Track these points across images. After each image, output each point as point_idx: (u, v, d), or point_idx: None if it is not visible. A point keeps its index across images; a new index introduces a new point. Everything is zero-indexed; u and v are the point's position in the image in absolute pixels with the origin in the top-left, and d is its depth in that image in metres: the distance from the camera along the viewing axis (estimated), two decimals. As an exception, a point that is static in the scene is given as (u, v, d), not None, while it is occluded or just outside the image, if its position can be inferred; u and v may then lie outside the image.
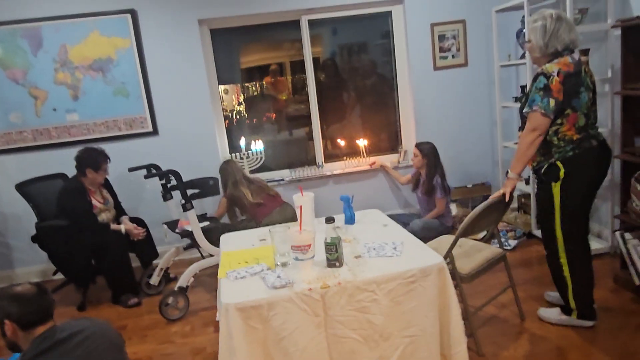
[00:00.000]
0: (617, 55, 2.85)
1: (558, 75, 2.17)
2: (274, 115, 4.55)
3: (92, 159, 3.29)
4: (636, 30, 2.67)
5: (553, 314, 2.53)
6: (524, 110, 2.31)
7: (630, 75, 2.71)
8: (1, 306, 1.60)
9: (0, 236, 3.98)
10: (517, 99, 3.95)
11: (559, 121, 2.22)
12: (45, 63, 3.81)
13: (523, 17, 3.60)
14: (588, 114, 2.24)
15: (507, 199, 2.37)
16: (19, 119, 3.86)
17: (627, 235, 2.73)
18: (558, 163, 2.25)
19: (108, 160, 3.37)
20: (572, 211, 2.29)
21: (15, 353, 1.65)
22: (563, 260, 2.36)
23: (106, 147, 3.57)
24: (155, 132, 4.03)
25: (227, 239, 2.39)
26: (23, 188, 3.47)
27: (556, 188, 2.27)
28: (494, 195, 2.38)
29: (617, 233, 2.78)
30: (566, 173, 2.23)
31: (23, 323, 1.58)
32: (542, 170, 2.32)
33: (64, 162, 3.35)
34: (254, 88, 4.46)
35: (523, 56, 3.73)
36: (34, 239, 3.46)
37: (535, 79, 2.26)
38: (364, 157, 4.38)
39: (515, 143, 3.97)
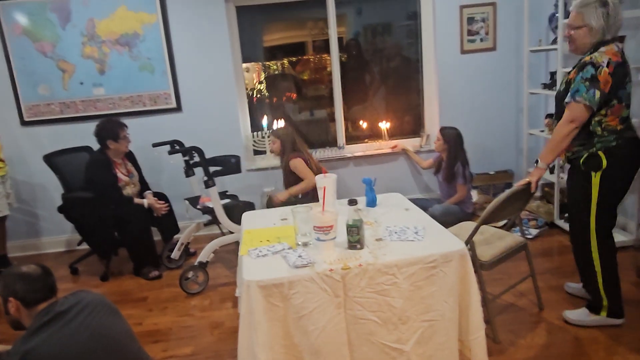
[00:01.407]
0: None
1: (608, 66, 2.07)
2: (295, 95, 4.52)
3: (110, 129, 3.33)
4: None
5: (582, 315, 2.43)
6: (565, 101, 2.19)
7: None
8: (7, 284, 1.65)
9: (27, 205, 4.08)
10: (545, 86, 3.86)
11: (602, 112, 2.14)
12: (73, 36, 3.85)
13: (557, 1, 3.48)
14: (629, 104, 2.18)
15: (532, 188, 2.33)
16: (47, 91, 3.92)
17: (654, 229, 2.68)
18: (600, 153, 2.17)
19: (125, 128, 3.40)
20: (609, 202, 2.24)
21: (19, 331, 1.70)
22: (595, 253, 2.29)
23: (130, 122, 3.61)
24: (179, 108, 4.05)
25: (249, 217, 2.41)
26: (50, 159, 3.54)
27: (596, 178, 2.19)
28: (519, 184, 2.33)
29: (643, 226, 2.73)
30: (608, 164, 2.16)
31: (27, 301, 1.63)
32: (582, 160, 2.23)
33: (90, 135, 3.40)
34: (275, 67, 4.43)
35: (555, 41, 3.63)
36: (60, 209, 3.54)
37: (582, 68, 2.14)
38: (385, 139, 4.35)
39: (542, 131, 3.91)
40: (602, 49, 2.14)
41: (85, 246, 3.66)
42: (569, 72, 2.27)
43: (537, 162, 2.35)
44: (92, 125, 3.41)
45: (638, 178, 3.03)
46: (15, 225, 3.99)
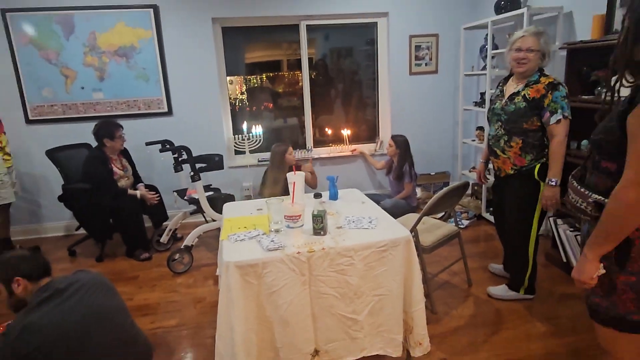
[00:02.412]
0: (561, 73, 2.84)
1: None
2: (271, 105, 4.47)
3: (106, 129, 3.19)
4: (579, 52, 2.67)
5: (502, 291, 2.47)
6: (556, 119, 2.05)
7: (572, 90, 2.71)
8: (10, 266, 1.55)
9: (30, 194, 3.86)
10: (476, 104, 3.95)
11: None
12: (75, 47, 3.66)
13: (486, 35, 3.57)
14: None
15: (555, 209, 2.23)
16: (51, 94, 3.71)
17: (559, 221, 2.79)
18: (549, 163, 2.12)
19: (121, 128, 3.26)
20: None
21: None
22: (531, 248, 2.30)
23: (126, 123, 3.47)
24: (170, 112, 3.92)
25: (229, 207, 2.35)
26: (52, 154, 3.36)
27: (544, 186, 2.15)
28: (549, 210, 2.21)
29: (551, 219, 2.83)
30: None
31: (33, 276, 1.55)
32: (536, 171, 2.16)
33: (89, 134, 3.25)
34: (255, 80, 4.36)
35: (484, 68, 3.72)
36: (60, 198, 3.37)
37: (555, 88, 2.05)
38: (346, 144, 4.35)
39: (473, 140, 4.00)
40: (547, 73, 2.14)
41: (82, 231, 3.49)
42: (517, 92, 2.17)
43: (549, 182, 2.12)
44: (91, 125, 3.27)
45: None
46: (18, 212, 3.76)
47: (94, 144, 3.29)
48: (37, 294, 1.50)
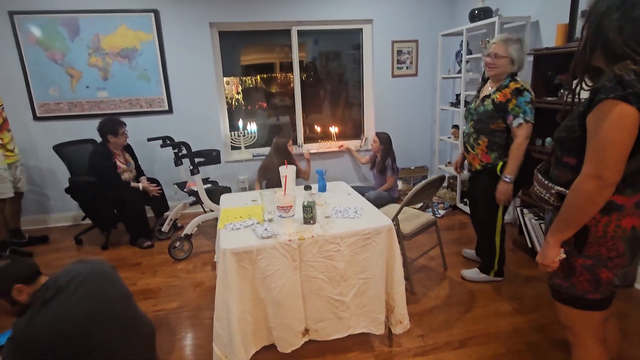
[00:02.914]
0: (528, 76, 2.87)
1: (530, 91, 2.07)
2: (265, 104, 4.43)
3: (110, 126, 3.12)
4: (544, 58, 2.69)
5: (474, 274, 2.49)
6: (518, 122, 2.04)
7: (537, 92, 2.74)
8: (5, 277, 1.36)
9: (38, 187, 3.77)
10: (452, 104, 3.97)
11: None
12: (80, 48, 3.56)
13: (462, 41, 3.58)
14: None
15: (509, 203, 2.21)
16: (57, 93, 3.62)
17: (525, 211, 2.83)
18: None
19: (124, 125, 3.19)
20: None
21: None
22: (498, 236, 2.33)
23: (129, 120, 3.41)
24: (170, 110, 3.85)
25: (226, 199, 2.33)
26: (59, 149, 3.28)
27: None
28: (502, 204, 2.20)
29: (518, 208, 2.88)
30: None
31: (29, 279, 1.39)
32: (498, 168, 2.16)
33: (94, 130, 3.18)
34: (250, 81, 4.31)
35: (459, 72, 3.74)
36: (67, 190, 3.30)
37: (520, 93, 2.04)
38: (334, 141, 4.34)
39: (449, 137, 4.02)
40: (518, 79, 2.11)
41: (88, 221, 3.43)
42: (488, 95, 2.17)
43: (504, 178, 2.12)
44: (96, 122, 3.19)
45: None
46: (28, 203, 3.68)
47: (99, 139, 3.22)
48: (39, 294, 1.37)
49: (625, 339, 1.88)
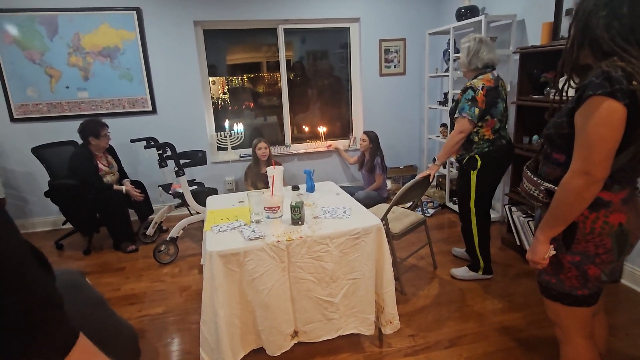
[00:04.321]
0: (515, 74, 2.91)
1: (482, 89, 2.13)
2: (252, 104, 4.39)
3: (91, 128, 3.05)
4: (530, 56, 2.72)
5: (464, 272, 2.53)
6: (455, 116, 2.26)
7: (524, 90, 2.78)
8: None
9: (17, 191, 3.67)
10: (440, 103, 4.00)
11: (480, 124, 2.20)
12: (60, 47, 3.47)
13: (449, 40, 3.61)
14: (502, 119, 2.23)
15: (431, 179, 2.39)
16: (35, 93, 3.52)
17: (513, 208, 2.86)
18: (476, 156, 2.24)
19: (106, 127, 3.12)
20: (482, 192, 2.31)
21: None
22: (474, 229, 2.38)
23: (112, 121, 3.34)
24: (154, 111, 3.79)
25: (212, 200, 2.30)
26: (38, 151, 3.19)
27: (474, 175, 2.27)
28: (421, 175, 2.39)
29: (506, 206, 2.90)
30: (482, 164, 2.23)
31: None
32: (464, 161, 2.30)
33: (75, 132, 3.10)
34: (236, 81, 4.27)
35: (447, 70, 3.76)
36: (47, 194, 3.20)
37: (464, 91, 2.19)
38: (322, 140, 4.33)
39: (437, 136, 4.05)
40: (481, 76, 2.19)
41: (69, 225, 3.34)
42: (459, 94, 2.32)
43: (434, 160, 2.39)
44: (77, 123, 3.11)
45: (506, 172, 3.25)
46: (6, 208, 3.57)
47: (80, 141, 3.14)
48: None
49: (613, 333, 1.91)
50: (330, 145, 4.28)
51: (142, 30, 3.58)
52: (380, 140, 3.72)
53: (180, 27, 3.66)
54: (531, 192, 1.27)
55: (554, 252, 1.21)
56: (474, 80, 2.19)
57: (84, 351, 0.33)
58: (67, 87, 3.57)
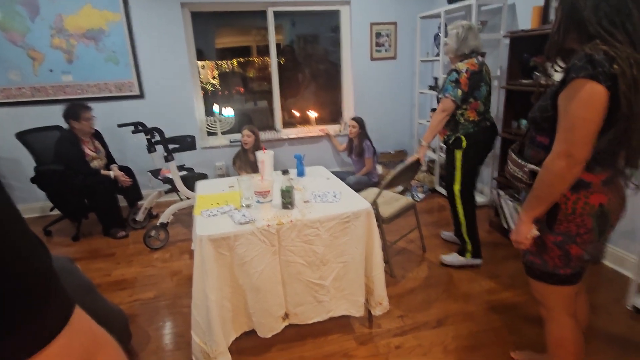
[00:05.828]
0: (505, 59, 2.92)
1: (466, 72, 2.18)
2: (242, 89, 4.35)
3: (72, 111, 2.99)
4: (520, 40, 2.73)
5: (452, 258, 2.54)
6: (439, 96, 2.32)
7: (513, 74, 2.80)
8: None
9: (1, 177, 3.60)
10: (431, 87, 4.00)
11: (464, 106, 2.25)
12: (42, 29, 3.36)
13: (440, 24, 3.59)
14: (485, 102, 2.28)
15: (421, 162, 2.42)
16: (18, 77, 3.43)
17: (501, 192, 2.91)
18: (462, 137, 2.29)
19: (89, 110, 3.05)
20: (467, 171, 2.36)
21: None
22: (459, 207, 2.43)
23: (98, 106, 3.28)
24: (141, 95, 3.72)
25: (202, 185, 2.29)
26: (23, 137, 3.12)
27: (459, 154, 2.32)
28: (410, 159, 2.42)
29: (494, 190, 2.95)
30: (467, 144, 2.28)
31: None
32: (450, 141, 2.35)
33: (60, 116, 3.04)
34: (226, 65, 4.21)
35: (437, 55, 3.75)
36: (33, 180, 3.16)
37: (449, 74, 2.26)
38: (313, 125, 4.31)
39: (428, 121, 4.06)
40: (466, 60, 2.24)
41: (57, 212, 3.31)
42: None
43: (420, 142, 2.42)
44: (61, 108, 3.05)
45: (492, 156, 3.30)
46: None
47: (66, 126, 3.08)
48: None
49: (594, 312, 1.98)
50: (324, 129, 4.27)
51: (127, 11, 3.48)
52: (370, 125, 3.72)
53: (167, 8, 3.57)
54: (515, 174, 1.30)
55: (537, 233, 1.25)
56: (459, 64, 2.24)
57: (81, 317, 0.35)
58: (51, 71, 3.48)
